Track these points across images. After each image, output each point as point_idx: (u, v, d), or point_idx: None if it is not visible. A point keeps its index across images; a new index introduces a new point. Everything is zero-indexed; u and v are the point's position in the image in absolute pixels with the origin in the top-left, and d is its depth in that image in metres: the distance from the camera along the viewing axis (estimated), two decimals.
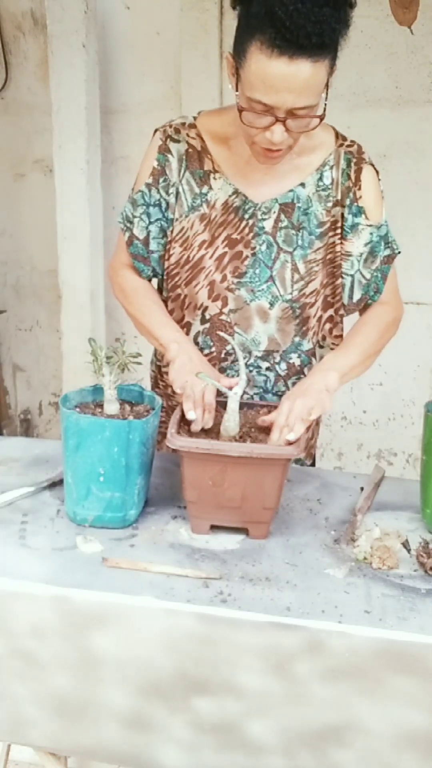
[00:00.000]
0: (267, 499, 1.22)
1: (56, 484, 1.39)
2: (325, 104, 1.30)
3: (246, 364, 1.54)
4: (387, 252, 1.54)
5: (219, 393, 1.32)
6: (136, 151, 3.20)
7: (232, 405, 1.26)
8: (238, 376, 1.32)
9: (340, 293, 1.56)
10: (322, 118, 1.31)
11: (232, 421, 1.26)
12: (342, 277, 1.54)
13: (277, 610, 1.06)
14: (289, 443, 1.23)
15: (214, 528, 1.26)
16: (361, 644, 1.03)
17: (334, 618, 1.05)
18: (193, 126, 1.50)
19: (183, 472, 1.23)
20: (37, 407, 3.71)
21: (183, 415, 1.30)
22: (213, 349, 1.55)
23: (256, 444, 1.25)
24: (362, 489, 1.44)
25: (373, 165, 1.51)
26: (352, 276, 1.53)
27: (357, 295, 1.55)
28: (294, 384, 1.56)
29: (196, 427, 1.27)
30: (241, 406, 1.29)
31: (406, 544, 1.20)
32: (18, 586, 1.11)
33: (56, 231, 3.11)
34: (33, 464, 1.48)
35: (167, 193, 1.51)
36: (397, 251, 1.56)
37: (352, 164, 1.48)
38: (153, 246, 1.54)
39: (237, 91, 1.30)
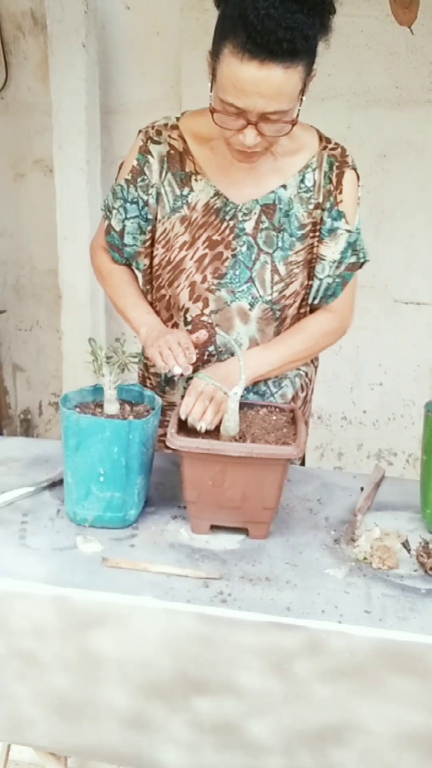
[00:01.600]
0: (267, 499, 1.22)
1: (56, 484, 1.39)
2: (299, 109, 1.30)
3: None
4: (353, 259, 1.53)
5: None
6: None
7: (232, 405, 1.26)
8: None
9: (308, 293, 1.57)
10: (294, 123, 1.31)
11: (232, 421, 1.26)
12: (311, 279, 1.54)
13: (277, 610, 1.06)
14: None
15: (214, 528, 1.26)
16: (361, 644, 1.03)
17: (334, 618, 1.05)
18: (175, 127, 1.50)
19: (183, 472, 1.23)
20: (37, 407, 3.71)
21: (182, 417, 1.30)
22: (196, 350, 1.54)
23: (256, 444, 1.25)
24: (362, 489, 1.44)
25: (355, 169, 1.50)
26: (321, 280, 1.53)
27: (316, 300, 1.56)
28: (275, 384, 1.59)
29: (186, 371, 1.30)
30: (241, 406, 1.29)
31: (406, 544, 1.20)
32: (18, 586, 1.11)
33: (56, 231, 3.11)
34: (33, 464, 1.48)
35: (146, 192, 1.51)
36: (363, 260, 1.54)
37: (335, 167, 1.47)
38: (128, 240, 1.56)
39: (211, 91, 1.30)
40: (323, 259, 1.51)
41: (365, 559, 1.19)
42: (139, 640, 1.09)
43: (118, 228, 1.56)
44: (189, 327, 1.53)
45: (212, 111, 1.30)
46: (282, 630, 1.04)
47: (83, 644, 1.10)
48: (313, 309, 1.59)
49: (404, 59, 2.78)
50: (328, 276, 1.53)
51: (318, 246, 1.51)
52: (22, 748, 1.53)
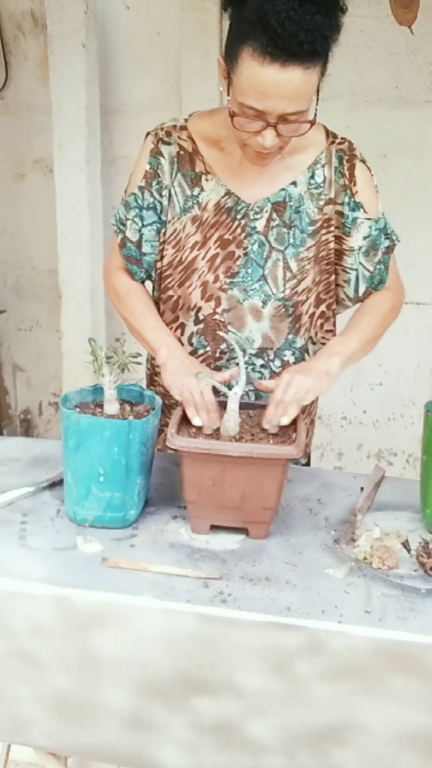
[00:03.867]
0: (267, 499, 1.22)
1: (56, 484, 1.39)
2: (316, 108, 1.31)
3: None
4: (387, 243, 1.55)
5: (217, 392, 1.32)
6: (136, 151, 3.18)
7: (232, 405, 1.26)
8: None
9: (334, 289, 1.58)
10: (312, 123, 1.32)
11: (232, 421, 1.26)
12: (347, 272, 1.55)
13: (277, 610, 1.06)
14: (280, 427, 1.25)
15: (214, 528, 1.26)
16: (361, 644, 1.02)
17: (334, 618, 1.05)
18: (184, 128, 1.50)
19: (183, 472, 1.23)
20: (37, 407, 3.71)
21: (183, 415, 1.30)
22: (208, 348, 1.55)
23: (256, 444, 1.25)
24: (362, 489, 1.44)
25: (364, 161, 1.52)
26: (356, 270, 1.55)
27: (362, 288, 1.57)
28: None
29: (206, 430, 1.27)
30: (241, 406, 1.29)
31: (406, 544, 1.20)
32: (18, 586, 1.11)
33: (56, 231, 3.11)
34: (33, 464, 1.48)
35: (161, 195, 1.51)
36: (396, 241, 1.57)
37: (345, 161, 1.49)
38: (146, 249, 1.55)
39: (228, 95, 1.30)
40: (352, 251, 1.53)
41: (365, 559, 1.19)
42: (139, 640, 1.09)
43: (134, 239, 1.54)
44: (200, 326, 1.53)
45: (232, 115, 1.29)
46: (282, 630, 1.04)
47: (83, 644, 1.10)
48: (357, 300, 1.59)
49: (404, 59, 2.79)
50: (365, 264, 1.54)
51: (346, 240, 1.52)
52: (22, 748, 1.53)
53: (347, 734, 1.06)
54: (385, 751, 1.06)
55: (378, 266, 1.56)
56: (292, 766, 1.10)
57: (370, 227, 1.52)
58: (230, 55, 1.26)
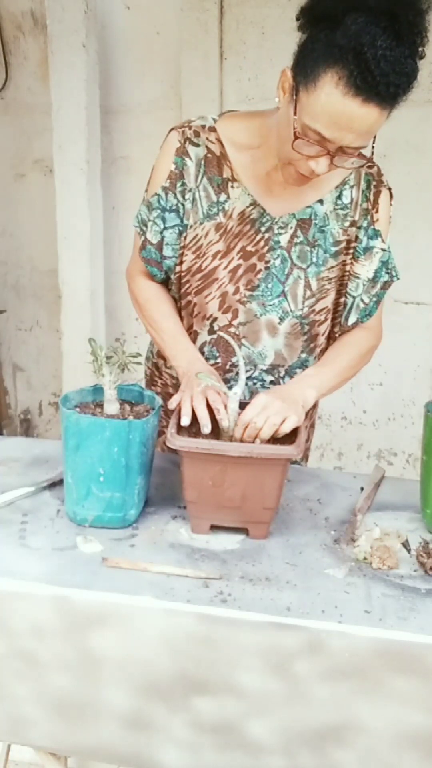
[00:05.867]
0: (267, 499, 1.22)
1: (56, 484, 1.39)
2: (373, 146, 1.28)
3: (250, 377, 1.54)
4: (386, 278, 1.53)
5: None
6: (136, 151, 3.20)
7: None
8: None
9: (341, 311, 1.56)
10: (369, 160, 1.30)
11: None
12: (345, 297, 1.53)
13: (277, 610, 1.06)
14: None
15: (214, 528, 1.26)
16: (361, 644, 1.03)
17: (334, 618, 1.05)
18: (213, 129, 1.44)
19: (183, 472, 1.23)
20: (37, 407, 3.71)
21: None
22: (219, 360, 1.53)
23: (256, 444, 1.25)
24: (362, 489, 1.44)
25: (390, 189, 1.49)
26: (354, 298, 1.52)
27: (352, 318, 1.55)
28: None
29: (204, 430, 1.26)
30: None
31: (406, 544, 1.20)
32: (18, 586, 1.11)
33: (56, 231, 3.11)
34: (33, 464, 1.48)
35: (184, 197, 1.46)
36: (396, 278, 1.54)
37: (372, 186, 1.46)
38: (167, 252, 1.50)
39: (295, 114, 1.24)
40: (357, 278, 1.51)
41: (365, 559, 1.19)
42: (139, 640, 1.09)
43: (155, 241, 1.50)
44: (214, 336, 1.51)
45: (296, 136, 1.25)
46: (282, 630, 1.04)
47: (83, 644, 1.10)
48: (344, 329, 1.57)
49: None
50: (363, 295, 1.52)
51: (352, 264, 1.50)
52: (22, 748, 1.53)
53: (347, 734, 1.06)
54: (385, 751, 1.06)
55: (373, 299, 1.54)
56: (292, 766, 1.10)
57: (380, 260, 1.50)
58: (306, 74, 1.20)
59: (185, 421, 1.26)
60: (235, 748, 1.11)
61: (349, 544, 1.24)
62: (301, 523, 1.31)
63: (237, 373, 1.53)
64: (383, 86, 1.15)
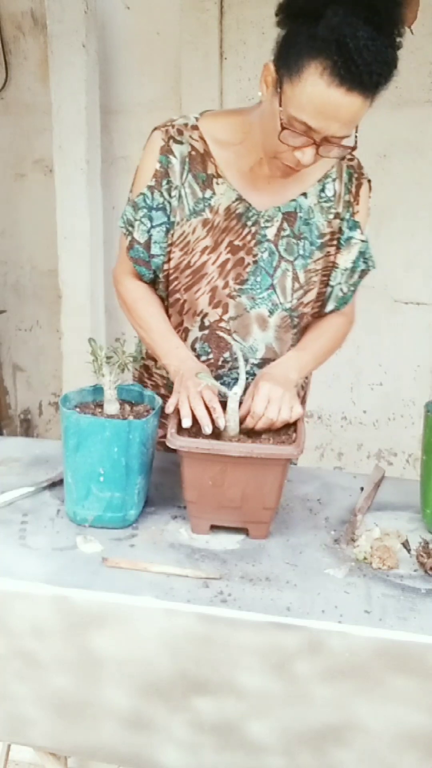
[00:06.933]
0: (267, 499, 1.22)
1: (56, 484, 1.39)
2: (356, 136, 1.30)
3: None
4: (363, 267, 1.56)
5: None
6: (136, 151, 3.17)
7: (232, 405, 1.26)
8: (235, 382, 1.32)
9: (322, 300, 1.58)
10: (354, 149, 1.31)
11: (232, 421, 1.26)
12: (325, 287, 1.55)
13: (277, 610, 1.06)
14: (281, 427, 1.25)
15: (214, 528, 1.26)
16: (361, 644, 1.03)
17: (334, 618, 1.05)
18: (195, 127, 1.46)
19: (183, 472, 1.23)
20: (37, 407, 3.71)
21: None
22: (210, 356, 1.53)
23: (256, 444, 1.25)
24: (362, 489, 1.44)
25: (369, 181, 1.52)
26: (333, 287, 1.54)
27: (330, 306, 1.57)
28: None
29: (205, 430, 1.26)
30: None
31: (406, 544, 1.21)
32: (18, 586, 1.11)
33: (56, 231, 3.11)
34: (33, 464, 1.48)
35: (170, 195, 1.47)
36: (372, 267, 1.57)
37: (354, 178, 1.49)
38: (155, 250, 1.50)
39: (280, 106, 1.26)
40: (337, 267, 1.53)
41: (365, 559, 1.19)
42: (139, 640, 1.09)
43: (142, 240, 1.50)
44: (206, 332, 1.51)
45: (283, 128, 1.27)
46: (282, 630, 1.04)
47: (83, 644, 1.10)
48: (320, 314, 1.59)
49: (404, 59, 2.76)
50: (341, 284, 1.54)
51: (335, 255, 1.52)
52: (22, 748, 1.53)
53: (347, 734, 1.06)
54: (385, 751, 1.06)
55: (351, 288, 1.56)
56: (292, 766, 1.10)
57: (359, 249, 1.53)
58: (290, 67, 1.22)
59: (186, 423, 1.26)
60: (235, 748, 1.11)
61: (349, 544, 1.24)
62: (301, 523, 1.31)
63: (229, 369, 1.53)
64: (366, 75, 1.18)
